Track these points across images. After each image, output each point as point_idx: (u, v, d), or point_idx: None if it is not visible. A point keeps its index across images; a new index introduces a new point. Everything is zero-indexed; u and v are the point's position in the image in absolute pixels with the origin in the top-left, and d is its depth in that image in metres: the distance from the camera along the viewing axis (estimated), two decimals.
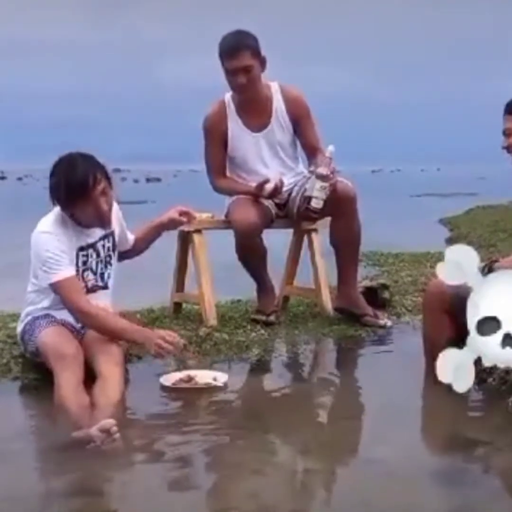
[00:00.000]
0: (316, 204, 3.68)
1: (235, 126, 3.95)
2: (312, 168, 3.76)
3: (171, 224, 3.46)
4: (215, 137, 3.96)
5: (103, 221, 3.07)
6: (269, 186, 3.83)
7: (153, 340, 2.95)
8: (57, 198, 3.01)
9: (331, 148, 3.71)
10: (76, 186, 2.93)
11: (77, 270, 3.07)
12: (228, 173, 4.07)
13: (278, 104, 3.96)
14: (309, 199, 3.70)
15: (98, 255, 3.14)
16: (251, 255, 3.89)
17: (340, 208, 3.79)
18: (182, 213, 3.40)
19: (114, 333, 3.02)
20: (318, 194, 3.67)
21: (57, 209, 3.07)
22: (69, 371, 2.78)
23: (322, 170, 3.65)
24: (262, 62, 3.84)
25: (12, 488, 2.18)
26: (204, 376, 3.11)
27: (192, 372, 3.15)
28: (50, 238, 3.00)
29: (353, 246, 3.94)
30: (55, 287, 2.99)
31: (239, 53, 3.74)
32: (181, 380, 3.08)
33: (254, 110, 3.94)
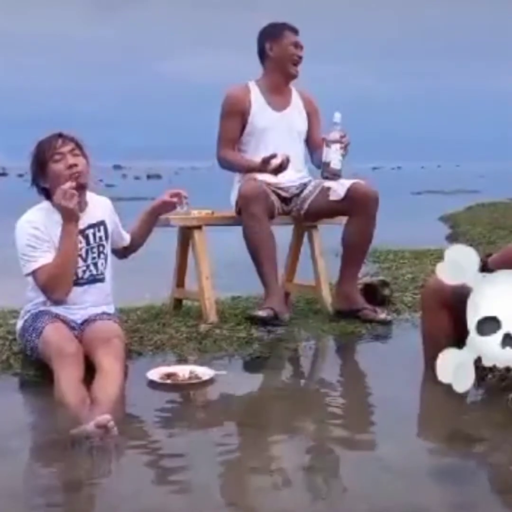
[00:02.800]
0: (335, 165, 3.84)
1: (258, 102, 4.08)
2: (323, 136, 3.93)
3: (163, 208, 3.43)
4: (235, 110, 4.06)
5: (76, 177, 3.03)
6: (274, 161, 3.87)
7: (58, 203, 2.98)
8: (32, 171, 3.09)
9: (337, 114, 3.90)
10: (45, 144, 3.07)
11: None
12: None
13: (296, 98, 4.19)
14: (327, 164, 3.85)
15: (87, 242, 3.14)
16: (260, 243, 3.79)
17: (360, 207, 3.84)
18: (173, 195, 3.39)
19: (68, 259, 3.00)
20: (334, 156, 3.83)
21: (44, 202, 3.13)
22: (69, 369, 2.78)
23: (333, 135, 3.84)
24: None
25: (11, 484, 2.18)
26: (185, 371, 3.10)
27: (175, 368, 3.15)
28: (27, 227, 3.03)
29: (363, 247, 3.97)
30: (33, 277, 3.02)
31: (298, 33, 4.14)
32: (165, 375, 3.07)
33: (277, 95, 4.13)
